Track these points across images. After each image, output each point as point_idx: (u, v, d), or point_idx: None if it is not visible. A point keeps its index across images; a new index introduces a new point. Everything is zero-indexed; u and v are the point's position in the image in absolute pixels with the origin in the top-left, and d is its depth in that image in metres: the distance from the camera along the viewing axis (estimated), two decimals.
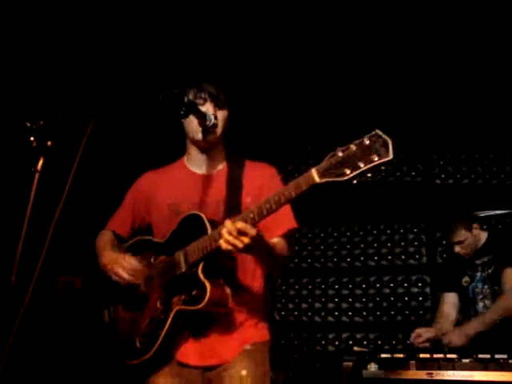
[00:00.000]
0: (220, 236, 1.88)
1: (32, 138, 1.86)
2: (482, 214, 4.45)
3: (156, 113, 2.00)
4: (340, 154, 1.65)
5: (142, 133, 4.03)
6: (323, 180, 1.67)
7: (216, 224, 2.02)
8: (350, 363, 2.80)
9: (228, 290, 2.06)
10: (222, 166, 2.30)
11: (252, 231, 1.81)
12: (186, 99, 2.01)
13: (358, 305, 4.65)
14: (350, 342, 4.55)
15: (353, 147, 1.63)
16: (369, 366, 2.76)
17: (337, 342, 4.58)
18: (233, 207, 2.13)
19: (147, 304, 2.17)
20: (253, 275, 2.21)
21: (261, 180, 2.23)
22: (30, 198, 1.83)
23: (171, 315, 2.04)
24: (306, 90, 4.23)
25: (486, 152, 4.63)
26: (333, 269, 4.74)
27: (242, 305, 2.15)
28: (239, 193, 2.18)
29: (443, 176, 4.66)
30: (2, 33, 3.37)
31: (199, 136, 2.18)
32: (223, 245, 1.84)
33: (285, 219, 2.18)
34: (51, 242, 1.80)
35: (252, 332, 2.15)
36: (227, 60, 3.77)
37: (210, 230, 1.99)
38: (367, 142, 1.61)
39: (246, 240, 1.81)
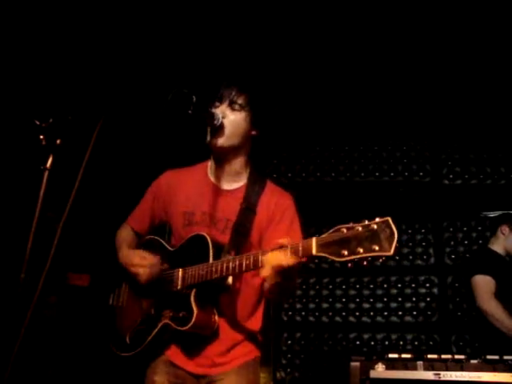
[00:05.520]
0: (216, 269, 1.93)
1: (41, 137, 1.87)
2: (491, 214, 4.42)
3: (165, 112, 2.00)
4: (344, 232, 1.63)
5: (151, 131, 4.03)
6: (319, 254, 1.65)
7: (220, 250, 2.04)
8: (358, 363, 2.78)
9: (216, 318, 2.06)
10: (241, 184, 2.24)
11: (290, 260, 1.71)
12: (194, 98, 1.99)
13: (365, 305, 4.64)
14: (358, 343, 4.54)
15: (358, 228, 1.61)
16: (376, 367, 2.75)
17: (344, 343, 4.56)
18: (241, 231, 2.11)
19: (144, 303, 2.19)
20: (250, 309, 2.19)
21: (273, 210, 2.17)
22: (40, 196, 1.84)
23: (159, 326, 2.08)
24: (314, 90, 4.22)
25: (495, 152, 4.62)
26: (340, 269, 4.72)
27: (232, 324, 2.13)
28: (251, 219, 2.14)
29: (451, 176, 4.65)
30: (11, 32, 3.39)
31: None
32: (264, 273, 1.76)
33: None
34: (60, 239, 1.81)
35: (242, 348, 2.14)
36: (235, 62, 3.77)
37: (211, 259, 2.01)
38: (374, 227, 1.58)
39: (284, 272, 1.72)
